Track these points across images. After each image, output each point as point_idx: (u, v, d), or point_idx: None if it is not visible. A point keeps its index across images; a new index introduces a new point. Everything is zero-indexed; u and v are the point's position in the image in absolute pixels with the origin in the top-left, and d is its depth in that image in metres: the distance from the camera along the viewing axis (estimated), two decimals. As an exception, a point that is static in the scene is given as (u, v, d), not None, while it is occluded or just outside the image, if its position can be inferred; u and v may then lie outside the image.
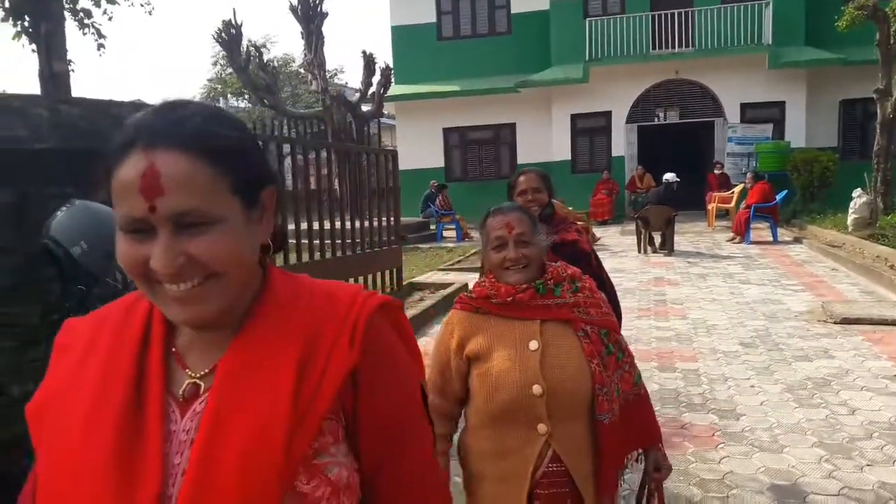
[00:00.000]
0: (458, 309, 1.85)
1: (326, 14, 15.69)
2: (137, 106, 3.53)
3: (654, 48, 16.45)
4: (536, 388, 1.66)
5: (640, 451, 1.84)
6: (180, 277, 0.77)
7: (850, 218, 11.61)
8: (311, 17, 15.53)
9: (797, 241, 12.08)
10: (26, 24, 5.25)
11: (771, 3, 15.65)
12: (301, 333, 0.84)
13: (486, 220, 1.85)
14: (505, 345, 1.72)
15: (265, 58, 15.57)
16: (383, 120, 16.75)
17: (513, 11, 18.13)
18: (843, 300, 7.14)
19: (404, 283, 7.48)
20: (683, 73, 16.55)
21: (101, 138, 2.51)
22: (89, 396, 0.82)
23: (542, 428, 1.67)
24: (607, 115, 17.05)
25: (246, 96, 29.73)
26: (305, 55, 15.74)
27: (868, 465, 3.47)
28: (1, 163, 2.60)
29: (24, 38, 5.97)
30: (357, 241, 4.80)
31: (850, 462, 3.51)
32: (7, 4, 5.36)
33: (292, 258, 4.23)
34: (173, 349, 0.85)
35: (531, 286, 1.74)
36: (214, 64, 31.68)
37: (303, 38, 15.69)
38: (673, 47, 16.37)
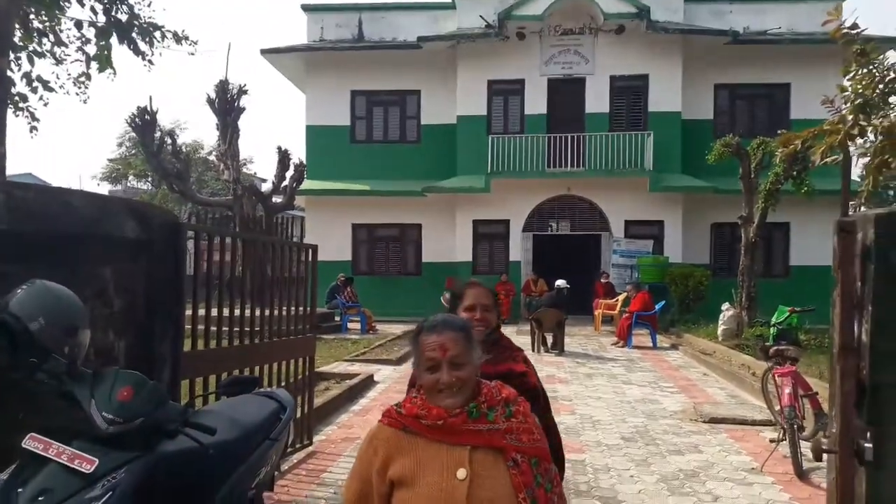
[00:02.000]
0: (386, 424, 1.74)
1: (243, 109, 16.19)
2: (87, 195, 3.74)
3: (549, 166, 17.90)
4: None
5: None
6: None
7: (720, 329, 12.82)
8: (227, 110, 15.94)
9: (674, 347, 13.14)
10: None
11: (652, 134, 17.58)
12: None
13: (418, 335, 1.76)
14: (431, 471, 1.62)
15: (177, 144, 15.67)
16: (291, 212, 17.03)
17: (422, 122, 19.35)
18: (712, 402, 7.93)
19: (309, 373, 7.62)
20: (575, 190, 18.03)
21: (52, 222, 2.85)
22: None
23: None
24: (506, 223, 18.17)
25: (149, 178, 29.29)
26: (220, 146, 16.01)
27: (726, 544, 3.96)
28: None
29: None
30: (273, 329, 5.03)
31: (712, 541, 3.99)
32: None
33: (213, 344, 4.42)
34: None
35: (463, 410, 1.66)
36: (120, 145, 31.17)
37: (218, 129, 16.02)
38: (566, 166, 17.85)
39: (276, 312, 5.12)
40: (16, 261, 2.95)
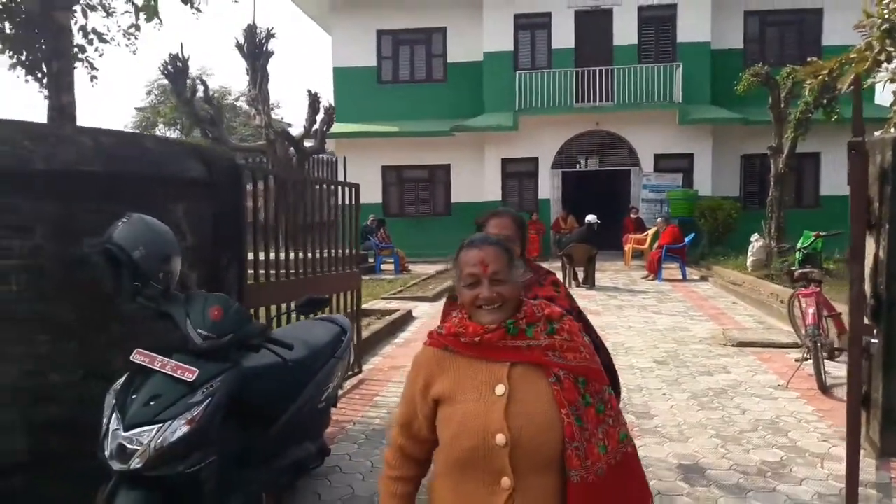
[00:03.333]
0: (427, 345, 1.75)
1: (272, 53, 16.24)
2: (160, 140, 4.04)
3: (577, 101, 17.82)
4: (500, 438, 1.53)
5: None
6: None
7: (749, 260, 12.94)
8: (256, 55, 16.04)
9: (704, 279, 13.35)
10: (22, 57, 5.56)
11: (681, 66, 17.32)
12: None
13: (459, 252, 1.72)
14: (470, 388, 1.61)
15: (209, 90, 15.89)
16: (323, 155, 17.31)
17: (449, 61, 19.24)
18: (740, 328, 8.19)
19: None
20: (604, 125, 17.97)
21: (132, 164, 3.18)
22: None
23: (505, 482, 1.54)
24: (535, 160, 18.24)
25: (178, 126, 29.66)
26: (250, 91, 16.18)
27: (753, 449, 4.30)
28: (56, 183, 3.09)
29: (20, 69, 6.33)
30: (324, 264, 5.38)
31: (739, 447, 4.33)
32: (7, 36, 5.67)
33: (273, 278, 4.78)
34: None
35: (501, 326, 1.64)
36: (148, 94, 31.48)
37: (247, 74, 16.14)
38: (594, 101, 17.78)
39: (325, 250, 5.46)
40: (104, 199, 3.28)
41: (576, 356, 1.64)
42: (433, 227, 18.90)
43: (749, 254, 13.04)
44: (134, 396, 2.61)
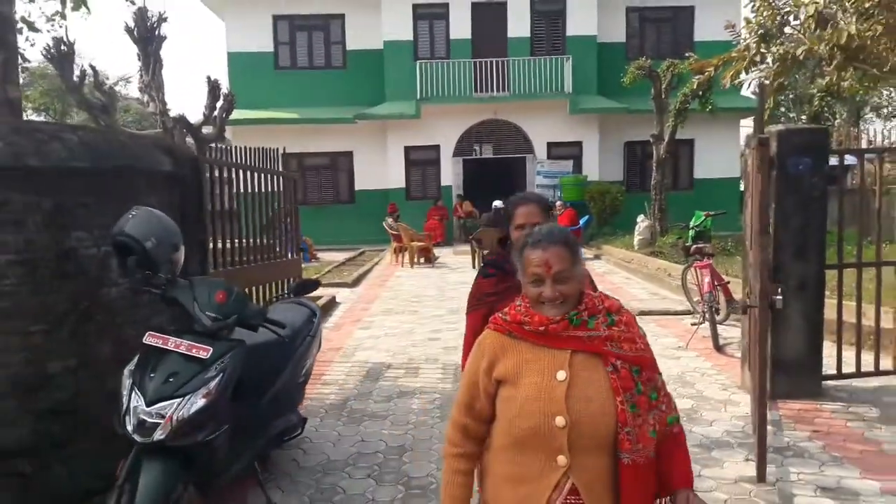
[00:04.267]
0: (492, 329, 1.85)
1: (165, 38, 15.64)
2: (133, 136, 4.12)
3: (476, 91, 18.48)
4: (559, 420, 1.65)
5: (669, 498, 1.78)
6: None
7: (636, 239, 14.14)
8: (148, 39, 15.41)
9: (597, 257, 14.43)
10: None
11: (570, 59, 18.37)
12: None
13: (524, 247, 1.80)
14: (533, 372, 1.72)
15: (100, 76, 15.09)
16: (221, 144, 16.93)
17: (348, 48, 19.31)
18: (637, 300, 9.11)
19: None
20: (501, 114, 18.75)
21: (112, 159, 3.46)
22: None
23: (561, 460, 1.66)
24: (437, 148, 18.76)
25: (47, 112, 27.67)
26: (142, 77, 15.54)
27: (666, 399, 5.01)
28: (47, 178, 3.20)
29: None
30: (274, 252, 5.61)
31: (654, 399, 5.03)
32: None
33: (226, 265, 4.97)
34: None
35: (564, 317, 1.73)
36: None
37: (139, 59, 15.48)
38: (491, 91, 18.50)
39: (269, 239, 5.69)
40: (89, 192, 3.42)
41: (632, 346, 1.75)
42: (337, 214, 19.00)
43: (636, 233, 14.23)
44: (152, 375, 2.83)
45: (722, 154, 18.92)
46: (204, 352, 2.88)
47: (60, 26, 6.93)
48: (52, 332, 3.25)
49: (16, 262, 3.11)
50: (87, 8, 6.98)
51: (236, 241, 5.06)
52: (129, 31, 15.47)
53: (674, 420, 1.79)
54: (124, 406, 2.78)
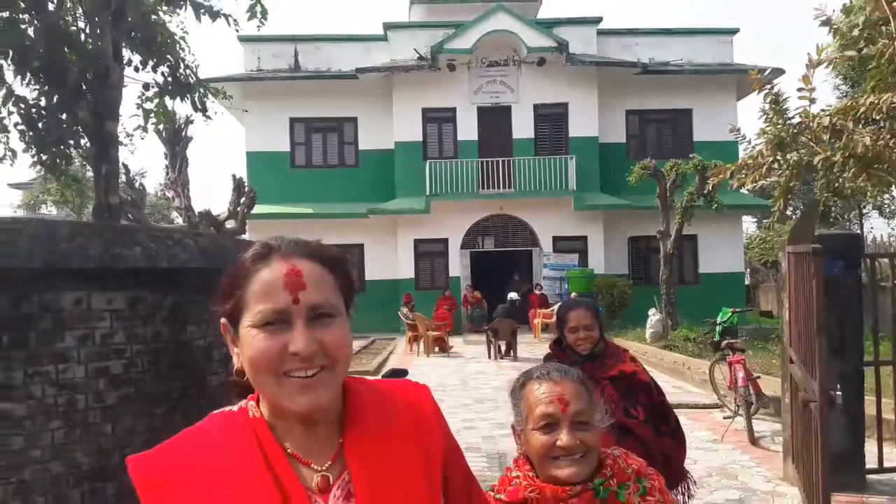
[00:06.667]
0: None
1: (191, 138, 16.42)
2: (239, 241, 4.46)
3: (482, 188, 19.25)
4: None
5: None
6: (311, 362, 0.88)
7: (648, 332, 14.39)
8: (175, 140, 16.17)
9: (610, 350, 14.60)
10: (44, 157, 5.68)
11: (574, 158, 19.27)
12: (400, 426, 0.98)
13: (524, 384, 1.43)
14: None
15: (131, 173, 15.73)
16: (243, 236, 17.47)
17: (360, 148, 20.23)
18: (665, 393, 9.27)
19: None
20: (506, 210, 19.43)
21: (218, 260, 3.87)
22: None
23: None
24: (445, 241, 19.31)
25: (70, 205, 28.27)
26: (168, 174, 16.18)
27: (715, 490, 5.16)
28: (171, 278, 3.52)
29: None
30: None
31: (704, 489, 5.16)
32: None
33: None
34: (289, 452, 0.92)
35: (587, 487, 1.32)
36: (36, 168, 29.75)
37: (166, 158, 16.19)
38: (497, 188, 19.25)
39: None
40: (200, 291, 3.73)
41: None
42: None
43: (648, 326, 14.49)
44: None
45: (726, 249, 19.56)
46: None
47: (138, 139, 7.43)
48: (168, 414, 3.48)
49: (144, 352, 3.38)
50: (168, 121, 7.42)
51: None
52: (157, 132, 16.26)
53: None
54: None
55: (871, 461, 5.20)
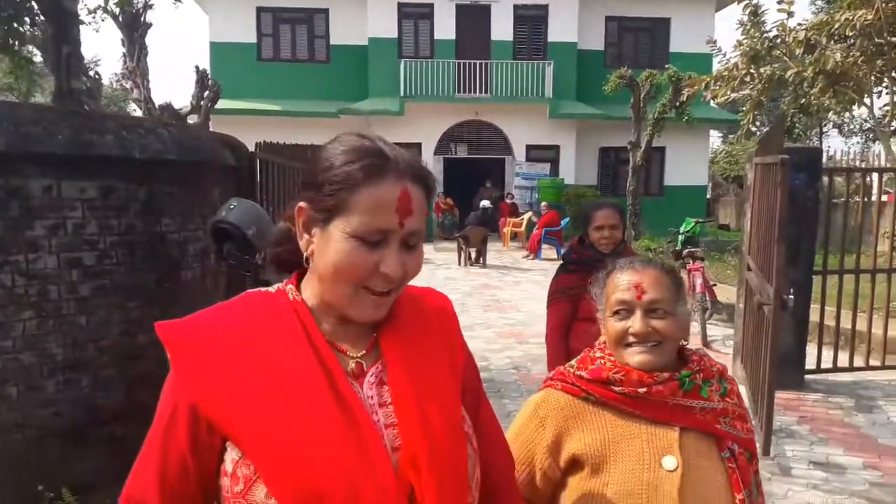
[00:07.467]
0: (558, 388, 1.36)
1: (150, 24, 15.68)
2: (206, 132, 4.37)
3: (458, 91, 18.88)
4: None
5: None
6: (393, 283, 0.94)
7: (613, 241, 14.69)
8: (133, 26, 15.41)
9: (575, 258, 14.96)
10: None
11: (552, 64, 18.93)
12: (430, 327, 1.04)
13: (608, 275, 1.40)
14: (627, 456, 1.26)
15: (85, 61, 15.04)
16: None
17: (332, 43, 19.51)
18: (622, 298, 9.64)
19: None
20: (482, 115, 19.18)
21: (194, 153, 3.91)
22: (285, 385, 0.89)
23: None
24: (419, 146, 19.05)
25: (15, 92, 27.04)
26: (126, 63, 15.52)
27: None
28: (145, 169, 3.50)
29: None
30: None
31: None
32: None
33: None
34: (328, 338, 0.96)
35: (674, 377, 1.29)
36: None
37: (124, 45, 15.48)
38: (474, 92, 18.92)
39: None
40: (173, 183, 3.73)
41: (744, 426, 1.35)
42: (319, 207, 19.10)
43: (613, 236, 14.77)
44: None
45: (692, 162, 19.75)
46: None
47: (101, 20, 6.97)
48: (144, 307, 3.55)
49: (118, 244, 3.41)
50: (131, 3, 7.05)
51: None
52: (113, 16, 15.44)
53: None
54: None
55: (810, 363, 5.60)
